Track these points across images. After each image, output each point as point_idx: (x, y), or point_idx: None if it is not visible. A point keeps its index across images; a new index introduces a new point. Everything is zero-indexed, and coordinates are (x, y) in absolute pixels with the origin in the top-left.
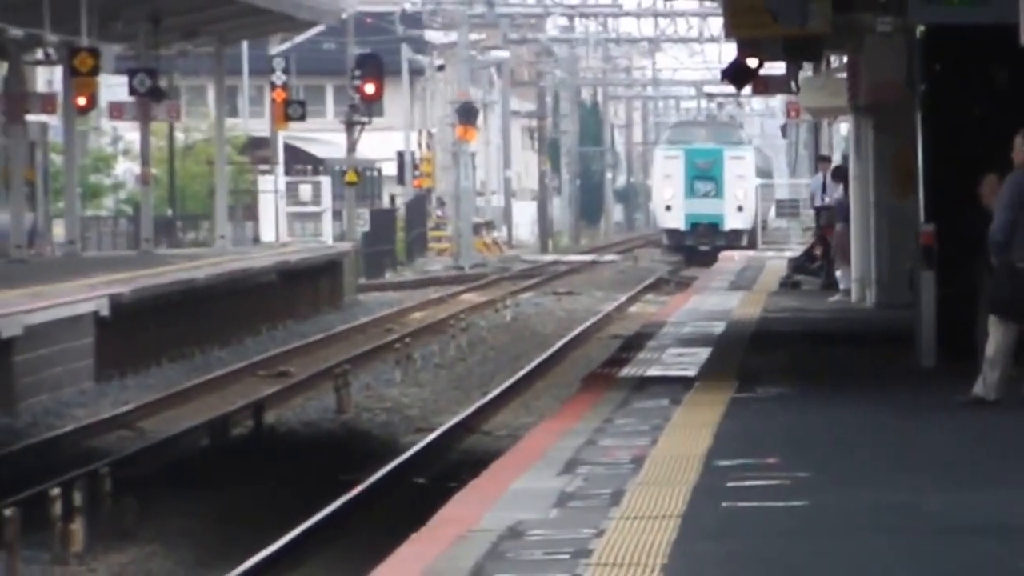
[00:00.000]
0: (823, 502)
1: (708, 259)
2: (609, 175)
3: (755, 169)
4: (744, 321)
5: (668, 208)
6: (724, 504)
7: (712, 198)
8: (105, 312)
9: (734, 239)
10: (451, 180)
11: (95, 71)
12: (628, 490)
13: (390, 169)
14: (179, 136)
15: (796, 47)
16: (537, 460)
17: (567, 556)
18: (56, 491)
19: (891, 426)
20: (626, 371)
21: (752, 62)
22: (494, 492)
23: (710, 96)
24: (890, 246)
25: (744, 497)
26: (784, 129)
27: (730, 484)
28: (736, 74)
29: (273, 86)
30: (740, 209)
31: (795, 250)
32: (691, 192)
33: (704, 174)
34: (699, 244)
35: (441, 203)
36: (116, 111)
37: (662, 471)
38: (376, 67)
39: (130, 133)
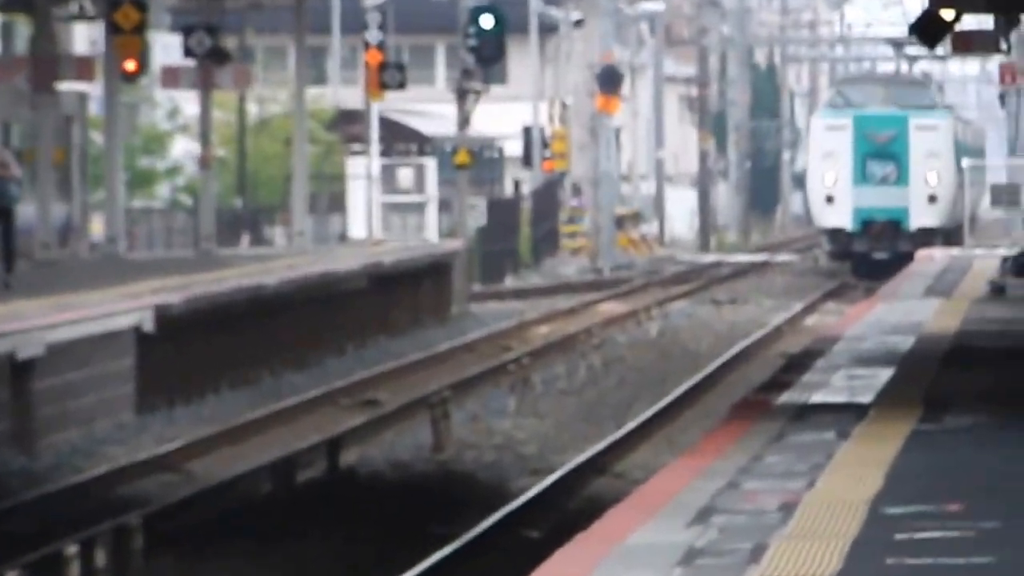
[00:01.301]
0: (1014, 559)
1: (885, 271)
2: (787, 155)
3: (955, 143)
4: (937, 335)
5: (829, 200)
6: (889, 561)
7: (892, 185)
8: (149, 327)
9: (923, 241)
10: (589, 162)
11: (141, 28)
12: (772, 544)
13: (514, 149)
14: (252, 109)
15: None
16: (663, 507)
17: None
18: (73, 549)
19: None
20: (786, 397)
21: (948, 14)
22: (606, 547)
23: (911, 58)
24: None
25: (916, 552)
26: (1003, 98)
27: (899, 536)
28: (927, 27)
29: (367, 46)
30: (932, 199)
31: (1012, 248)
32: (862, 177)
33: (881, 151)
34: (873, 250)
35: (577, 190)
36: (170, 77)
37: (817, 520)
38: (496, 22)
39: (191, 106)
